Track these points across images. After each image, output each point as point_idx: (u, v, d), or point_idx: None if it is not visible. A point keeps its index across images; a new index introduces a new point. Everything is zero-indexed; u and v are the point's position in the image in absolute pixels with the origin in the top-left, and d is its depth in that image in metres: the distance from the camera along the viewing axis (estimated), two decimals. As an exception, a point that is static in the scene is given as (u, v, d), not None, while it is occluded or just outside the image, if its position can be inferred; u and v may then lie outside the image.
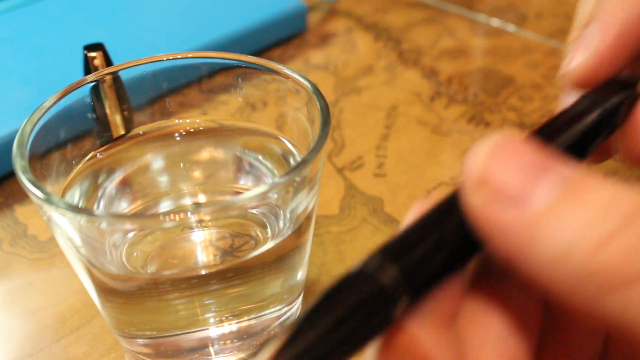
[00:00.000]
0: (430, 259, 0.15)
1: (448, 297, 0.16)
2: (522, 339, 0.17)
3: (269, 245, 0.24)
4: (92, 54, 0.33)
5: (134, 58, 0.27)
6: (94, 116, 0.27)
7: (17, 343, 0.28)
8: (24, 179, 0.21)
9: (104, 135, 0.28)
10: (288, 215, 0.24)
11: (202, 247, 0.27)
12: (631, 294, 0.13)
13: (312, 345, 0.13)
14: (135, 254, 0.26)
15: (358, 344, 0.14)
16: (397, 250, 0.15)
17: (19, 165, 0.22)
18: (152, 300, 0.24)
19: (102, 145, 0.28)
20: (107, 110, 0.28)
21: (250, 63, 0.27)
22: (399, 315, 0.14)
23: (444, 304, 0.16)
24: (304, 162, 0.22)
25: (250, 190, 0.21)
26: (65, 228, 0.22)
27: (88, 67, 0.33)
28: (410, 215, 0.16)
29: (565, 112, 0.19)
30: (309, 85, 0.25)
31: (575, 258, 0.13)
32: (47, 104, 0.25)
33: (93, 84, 0.26)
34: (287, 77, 0.26)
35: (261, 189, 0.21)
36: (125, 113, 0.29)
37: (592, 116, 0.18)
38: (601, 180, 0.14)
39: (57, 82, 0.40)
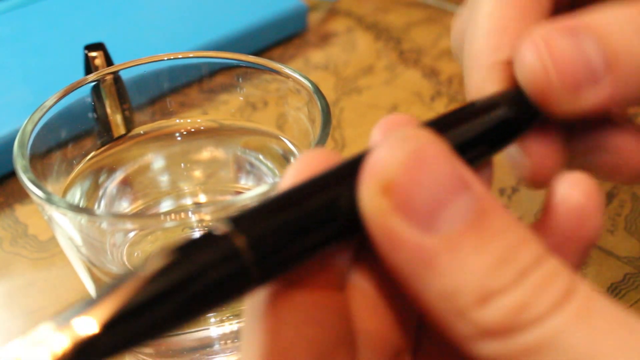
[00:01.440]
0: (289, 238, 0.13)
1: (337, 261, 0.16)
2: (402, 319, 0.16)
3: None
4: (93, 54, 0.33)
5: (135, 58, 0.27)
6: (95, 116, 0.27)
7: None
8: (25, 179, 0.21)
9: (105, 135, 0.28)
10: None
11: None
12: (502, 344, 0.13)
13: (160, 298, 0.12)
14: (136, 253, 0.26)
15: (204, 304, 0.12)
16: (250, 221, 0.13)
17: (20, 164, 0.22)
18: None
19: (102, 145, 0.28)
20: (108, 110, 0.28)
21: (251, 63, 0.27)
22: (251, 285, 0.13)
23: (332, 268, 0.15)
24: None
25: (251, 190, 0.21)
26: (66, 228, 0.22)
27: (89, 67, 0.33)
28: (295, 169, 0.15)
29: (473, 104, 0.17)
30: (309, 85, 0.25)
31: (458, 303, 0.13)
32: (48, 103, 0.25)
33: (94, 83, 0.26)
34: (288, 76, 0.26)
35: (262, 188, 0.21)
36: (126, 113, 0.29)
37: (502, 112, 0.17)
38: (506, 216, 0.13)
39: (57, 81, 0.40)
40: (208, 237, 0.13)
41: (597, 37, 0.17)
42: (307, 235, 0.14)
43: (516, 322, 0.13)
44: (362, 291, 0.16)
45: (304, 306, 0.15)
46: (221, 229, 0.13)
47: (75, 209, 0.21)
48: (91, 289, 0.24)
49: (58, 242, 0.24)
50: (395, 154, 0.13)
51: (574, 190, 0.15)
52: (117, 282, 0.12)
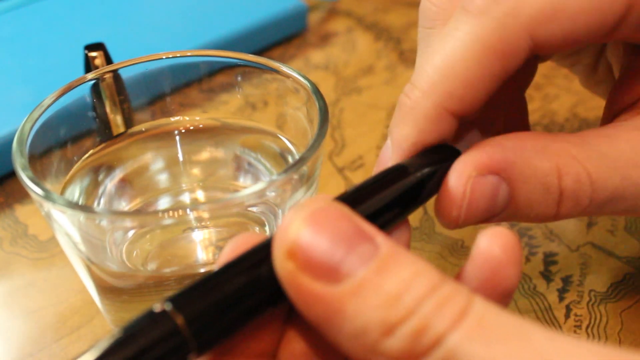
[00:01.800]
0: (222, 310, 0.15)
1: (267, 330, 0.17)
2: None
3: None
4: (93, 54, 0.33)
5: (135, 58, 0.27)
6: (94, 115, 0.27)
7: (17, 343, 0.28)
8: (24, 176, 0.21)
9: (104, 133, 0.28)
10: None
11: (201, 246, 0.27)
12: None
13: None
14: (135, 252, 0.26)
15: None
16: (187, 299, 0.15)
17: (19, 162, 0.22)
18: (152, 298, 0.24)
19: (102, 144, 0.28)
20: (107, 109, 0.28)
21: (250, 62, 0.27)
22: (193, 354, 0.15)
23: (263, 337, 0.17)
24: (301, 160, 0.22)
25: (248, 188, 0.21)
26: (65, 225, 0.22)
27: (89, 67, 0.33)
28: (226, 252, 0.17)
29: (380, 176, 0.19)
30: (308, 85, 0.25)
31: (368, 339, 0.14)
32: (47, 102, 0.25)
33: (93, 82, 0.26)
34: (288, 76, 0.26)
35: (259, 186, 0.21)
36: (125, 112, 0.29)
37: (407, 182, 0.19)
38: (405, 255, 0.15)
39: (57, 81, 0.40)
40: (150, 317, 0.15)
41: (510, 182, 0.20)
42: (237, 307, 0.15)
43: (419, 346, 0.14)
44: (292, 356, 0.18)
45: None
46: (161, 309, 0.15)
47: (74, 206, 0.21)
48: (90, 287, 0.24)
49: (58, 241, 0.24)
50: (293, 220, 0.15)
51: (493, 243, 0.17)
52: None
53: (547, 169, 0.20)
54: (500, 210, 0.20)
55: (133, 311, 0.25)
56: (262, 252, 0.16)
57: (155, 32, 0.45)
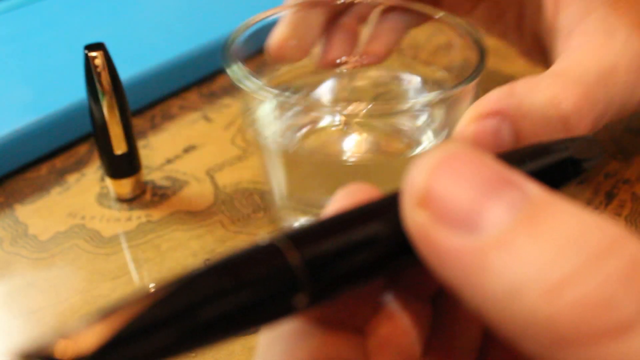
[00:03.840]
0: (342, 257, 0.13)
1: (363, 304, 0.16)
2: (419, 334, 0.16)
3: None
4: (93, 54, 0.33)
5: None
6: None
7: (17, 343, 0.28)
8: (237, 71, 0.26)
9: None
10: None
11: (356, 144, 0.31)
12: (587, 354, 0.11)
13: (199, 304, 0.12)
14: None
15: (243, 321, 0.12)
16: (307, 239, 0.13)
17: (231, 60, 0.27)
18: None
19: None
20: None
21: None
22: (298, 306, 0.13)
23: (359, 310, 0.16)
24: (470, 78, 0.26)
25: (421, 97, 0.26)
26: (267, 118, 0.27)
27: (89, 67, 0.33)
28: (338, 198, 0.16)
29: (534, 145, 0.18)
30: (472, 31, 0.29)
31: (526, 300, 0.11)
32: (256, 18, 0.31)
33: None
34: (453, 24, 0.31)
35: (430, 96, 0.25)
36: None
37: (563, 155, 0.18)
38: (567, 205, 0.12)
39: (57, 82, 0.40)
40: (261, 251, 0.13)
41: (511, 121, 0.22)
42: (360, 256, 0.13)
43: (600, 322, 0.11)
44: (380, 336, 0.16)
45: (326, 344, 0.15)
46: (275, 244, 0.13)
47: (283, 95, 0.26)
48: (276, 171, 0.29)
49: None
50: (425, 165, 0.13)
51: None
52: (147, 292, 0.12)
53: (544, 101, 0.22)
54: (510, 146, 0.22)
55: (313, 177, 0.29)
56: (389, 203, 0.14)
57: (155, 32, 0.45)
